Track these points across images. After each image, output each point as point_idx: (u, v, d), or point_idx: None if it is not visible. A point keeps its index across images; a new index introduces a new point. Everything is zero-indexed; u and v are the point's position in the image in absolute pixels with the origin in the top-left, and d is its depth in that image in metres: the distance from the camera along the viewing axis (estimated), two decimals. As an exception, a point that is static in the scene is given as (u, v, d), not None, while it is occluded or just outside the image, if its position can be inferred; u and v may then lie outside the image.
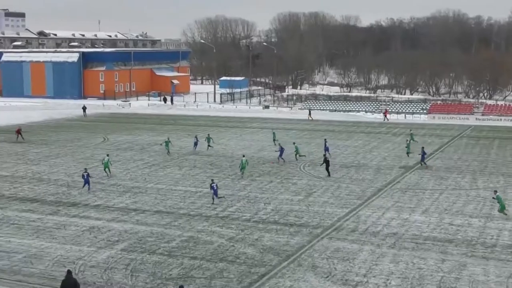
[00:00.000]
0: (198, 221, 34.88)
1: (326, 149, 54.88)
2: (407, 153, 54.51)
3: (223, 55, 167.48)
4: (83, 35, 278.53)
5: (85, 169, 43.97)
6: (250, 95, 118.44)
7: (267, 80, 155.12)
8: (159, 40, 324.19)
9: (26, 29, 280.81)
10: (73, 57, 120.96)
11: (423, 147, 52.86)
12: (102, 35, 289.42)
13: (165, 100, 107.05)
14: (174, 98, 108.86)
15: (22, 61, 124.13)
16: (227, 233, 32.63)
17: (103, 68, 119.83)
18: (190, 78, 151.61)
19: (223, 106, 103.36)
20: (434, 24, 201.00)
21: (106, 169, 47.10)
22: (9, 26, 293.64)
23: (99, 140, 66.24)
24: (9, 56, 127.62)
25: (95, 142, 65.11)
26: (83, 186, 42.42)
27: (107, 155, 50.00)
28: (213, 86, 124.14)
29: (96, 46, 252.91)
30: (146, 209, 37.65)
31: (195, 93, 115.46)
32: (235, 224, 34.28)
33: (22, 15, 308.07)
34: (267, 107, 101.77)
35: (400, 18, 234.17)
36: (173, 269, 27.30)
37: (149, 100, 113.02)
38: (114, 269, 27.41)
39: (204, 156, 56.03)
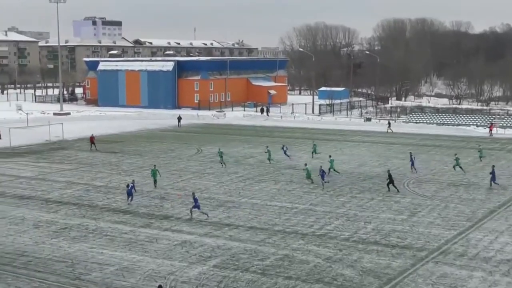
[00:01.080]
0: (294, 239, 34.82)
1: (412, 163, 54.79)
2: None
3: (322, 64, 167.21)
4: (178, 43, 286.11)
5: (133, 180, 45.48)
6: (351, 106, 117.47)
7: (369, 91, 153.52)
8: (256, 48, 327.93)
9: (122, 37, 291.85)
10: (168, 65, 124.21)
11: (493, 166, 50.43)
12: (197, 43, 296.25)
13: (262, 110, 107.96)
14: (270, 109, 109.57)
15: (117, 70, 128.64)
16: (324, 253, 32.39)
17: (198, 77, 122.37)
18: (288, 88, 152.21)
19: (321, 118, 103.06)
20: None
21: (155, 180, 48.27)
22: (106, 34, 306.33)
23: (192, 152, 67.63)
24: (106, 65, 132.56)
25: (189, 153, 66.51)
26: (128, 199, 43.34)
27: (154, 165, 50.85)
28: (311, 96, 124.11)
29: (191, 54, 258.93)
30: (239, 224, 38.00)
31: (293, 104, 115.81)
32: (332, 243, 33.98)
33: (118, 23, 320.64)
34: (368, 119, 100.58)
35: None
36: (266, 289, 27.36)
37: (244, 110, 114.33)
38: (205, 286, 27.80)
39: (301, 170, 55.92)
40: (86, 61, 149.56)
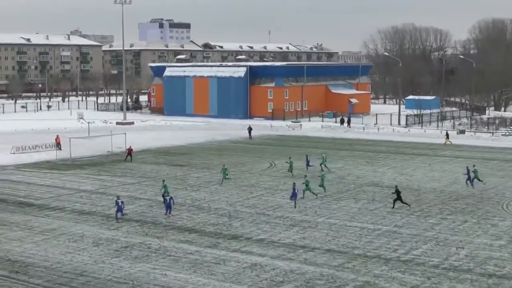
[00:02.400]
0: (376, 264, 34.42)
1: (468, 177, 55.52)
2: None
3: (410, 69, 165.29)
4: (251, 47, 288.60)
5: (118, 196, 46.00)
6: (442, 117, 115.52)
7: (463, 100, 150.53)
8: (336, 52, 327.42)
9: (191, 41, 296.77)
10: (240, 71, 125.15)
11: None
12: (272, 47, 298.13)
13: (342, 121, 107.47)
14: (351, 119, 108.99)
15: (185, 76, 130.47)
16: (410, 281, 31.88)
17: (272, 84, 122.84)
18: (371, 96, 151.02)
19: (409, 130, 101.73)
20: None
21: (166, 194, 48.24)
22: (173, 38, 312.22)
23: (265, 166, 67.87)
24: (172, 70, 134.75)
25: (261, 167, 66.77)
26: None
27: (163, 180, 50.97)
28: (397, 106, 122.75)
29: (265, 59, 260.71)
30: (315, 246, 37.84)
31: (376, 114, 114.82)
32: (420, 271, 33.41)
33: (187, 26, 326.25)
34: (462, 131, 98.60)
35: None
36: (344, 319, 27.10)
37: (322, 121, 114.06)
38: (277, 313, 27.75)
39: (385, 187, 55.34)
40: (151, 67, 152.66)
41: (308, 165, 63.95)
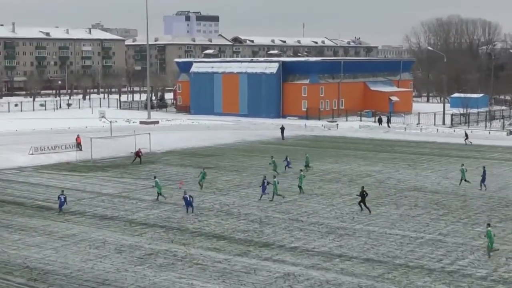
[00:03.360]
0: (418, 275, 34.23)
1: (483, 180, 56.51)
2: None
3: (456, 65, 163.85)
4: (284, 42, 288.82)
5: (62, 190, 50.24)
6: (491, 117, 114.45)
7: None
8: (375, 47, 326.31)
9: (219, 35, 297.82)
10: (272, 67, 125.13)
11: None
12: (306, 41, 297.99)
13: (380, 121, 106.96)
14: (391, 119, 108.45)
15: (213, 73, 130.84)
16: (455, 293, 31.68)
17: (307, 81, 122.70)
18: (413, 94, 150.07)
19: (454, 131, 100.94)
20: None
21: (160, 193, 52.51)
22: (201, 31, 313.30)
23: (298, 169, 67.73)
24: (200, 66, 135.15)
25: (295, 170, 66.69)
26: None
27: (155, 177, 54.51)
28: (441, 104, 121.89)
29: (299, 54, 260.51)
30: (353, 255, 37.74)
31: (419, 113, 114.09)
32: (466, 283, 33.16)
33: (215, 19, 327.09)
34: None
35: None
36: (384, 334, 27.01)
37: (360, 120, 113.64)
38: (312, 327, 27.72)
39: (428, 192, 55.02)
40: (177, 62, 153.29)
41: (287, 166, 65.75)
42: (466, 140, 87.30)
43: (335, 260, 36.92)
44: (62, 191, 50.32)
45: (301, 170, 58.57)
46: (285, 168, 65.53)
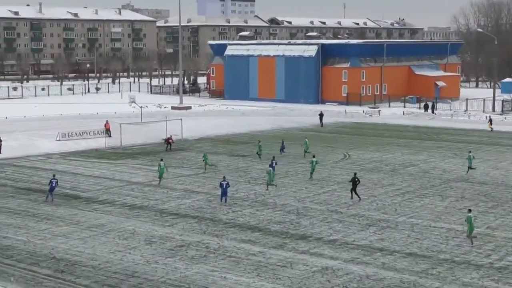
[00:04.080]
0: (465, 271, 34.00)
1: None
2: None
3: (507, 48, 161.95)
4: (324, 23, 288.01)
5: (54, 174, 51.32)
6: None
7: None
8: (421, 29, 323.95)
9: (255, 16, 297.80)
10: (310, 50, 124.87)
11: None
12: (347, 22, 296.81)
13: (426, 107, 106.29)
14: (438, 105, 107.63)
15: (249, 56, 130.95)
16: (504, 291, 31.46)
17: (347, 65, 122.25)
18: (461, 79, 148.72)
19: (505, 118, 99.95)
20: None
21: (160, 177, 54.86)
22: (236, 12, 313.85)
23: (338, 157, 67.69)
24: (234, 49, 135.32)
25: (334, 159, 66.60)
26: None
27: (161, 159, 56.32)
28: (492, 90, 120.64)
29: (339, 36, 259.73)
30: (395, 249, 37.60)
31: (467, 99, 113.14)
32: (516, 279, 32.89)
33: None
34: None
35: None
36: (428, 333, 26.90)
37: (404, 107, 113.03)
38: (351, 324, 27.70)
39: (476, 184, 54.56)
40: (211, 45, 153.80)
41: (282, 150, 68.80)
42: (490, 126, 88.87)
43: (376, 254, 36.80)
44: (54, 175, 51.08)
45: (314, 156, 59.08)
46: (281, 152, 67.78)
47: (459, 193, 51.41)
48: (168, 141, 72.07)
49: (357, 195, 49.04)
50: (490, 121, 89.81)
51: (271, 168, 53.77)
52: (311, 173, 56.77)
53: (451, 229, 41.64)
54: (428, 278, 33.03)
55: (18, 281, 32.55)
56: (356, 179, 49.24)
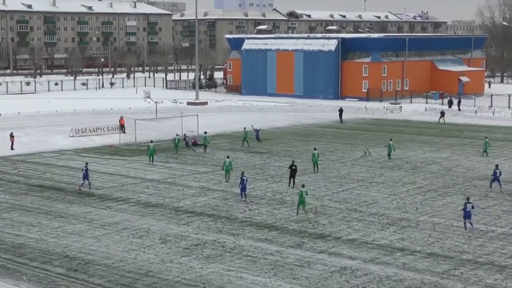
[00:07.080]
0: (488, 272, 33.93)
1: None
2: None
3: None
4: (344, 16, 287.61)
5: (86, 163, 53.61)
6: None
7: None
8: (444, 22, 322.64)
9: (274, 9, 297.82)
10: (330, 44, 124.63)
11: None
12: (368, 16, 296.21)
13: (450, 103, 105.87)
14: (462, 101, 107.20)
15: (267, 50, 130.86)
16: (528, 292, 31.37)
17: (368, 60, 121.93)
18: (486, 74, 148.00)
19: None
20: None
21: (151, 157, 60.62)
22: (254, 5, 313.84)
23: (358, 154, 67.59)
24: (252, 43, 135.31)
25: (353, 156, 66.52)
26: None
27: (151, 141, 60.61)
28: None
29: (360, 30, 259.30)
30: (416, 249, 37.56)
31: (491, 95, 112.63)
32: (541, 281, 32.76)
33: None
34: None
35: None
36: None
37: (427, 103, 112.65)
38: (370, 326, 27.73)
39: (501, 182, 54.26)
40: (228, 39, 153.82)
41: (257, 138, 73.28)
42: (441, 118, 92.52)
43: (396, 254, 36.79)
44: (86, 163, 54.35)
45: (315, 149, 59.87)
46: (258, 141, 72.92)
47: (482, 192, 51.22)
48: (194, 144, 71.83)
49: (293, 182, 51.62)
50: (442, 114, 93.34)
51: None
52: (314, 166, 58.20)
53: (475, 228, 41.50)
54: (450, 279, 32.98)
55: (30, 280, 32.80)
56: (293, 166, 51.67)
